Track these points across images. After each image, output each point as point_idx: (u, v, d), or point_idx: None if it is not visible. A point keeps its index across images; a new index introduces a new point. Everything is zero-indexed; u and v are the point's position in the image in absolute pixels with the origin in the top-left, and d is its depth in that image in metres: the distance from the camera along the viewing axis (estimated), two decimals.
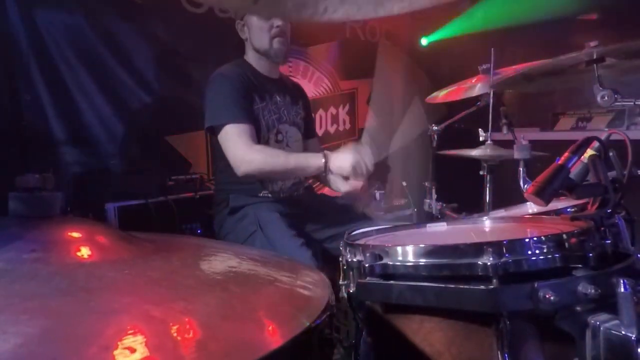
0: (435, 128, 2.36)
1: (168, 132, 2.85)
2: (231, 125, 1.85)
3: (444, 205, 2.23)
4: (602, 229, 0.92)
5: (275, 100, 2.05)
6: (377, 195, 3.04)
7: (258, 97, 1.98)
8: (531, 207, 1.70)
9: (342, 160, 1.76)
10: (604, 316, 0.80)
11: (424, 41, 4.37)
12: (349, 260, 1.02)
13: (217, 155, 2.05)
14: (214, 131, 1.91)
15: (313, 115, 2.47)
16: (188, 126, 2.88)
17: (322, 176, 2.18)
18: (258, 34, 1.99)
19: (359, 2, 0.90)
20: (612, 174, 1.00)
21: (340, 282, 1.06)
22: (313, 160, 1.83)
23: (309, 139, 2.26)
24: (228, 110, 1.87)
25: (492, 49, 2.00)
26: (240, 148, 1.85)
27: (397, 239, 1.22)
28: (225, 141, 1.88)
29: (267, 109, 2.01)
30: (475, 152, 1.94)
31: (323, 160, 1.79)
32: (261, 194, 1.99)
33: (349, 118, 4.11)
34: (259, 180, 1.98)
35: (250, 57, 2.07)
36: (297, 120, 2.15)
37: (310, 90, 3.74)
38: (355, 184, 1.82)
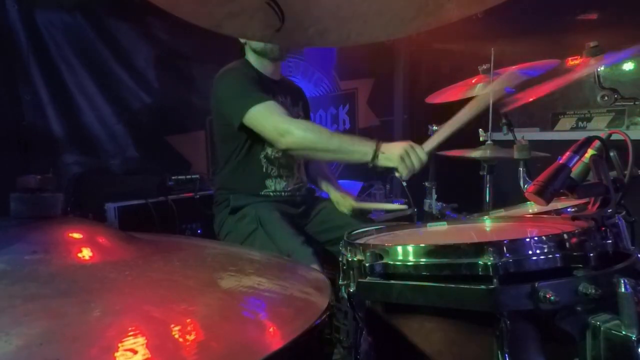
0: (435, 128, 2.36)
1: (168, 132, 2.86)
2: (259, 106, 1.78)
3: (444, 205, 2.23)
4: (603, 228, 0.92)
5: (277, 100, 2.05)
6: (377, 195, 3.05)
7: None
8: (531, 207, 1.70)
9: (392, 149, 1.64)
10: (604, 316, 0.80)
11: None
12: (349, 259, 1.02)
13: (218, 154, 2.05)
14: (243, 124, 1.84)
15: (312, 116, 2.46)
16: (188, 126, 2.89)
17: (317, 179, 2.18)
18: None
19: (383, 22, 0.91)
20: (613, 174, 1.00)
21: (341, 282, 1.06)
22: (360, 145, 1.70)
23: None
24: (250, 96, 1.81)
25: (492, 48, 2.00)
26: (280, 121, 1.77)
27: (398, 238, 1.22)
28: (260, 122, 1.80)
29: None
30: (475, 154, 1.93)
31: (374, 147, 1.65)
32: (262, 193, 1.99)
33: (349, 118, 4.11)
34: (263, 178, 1.98)
35: (251, 59, 2.06)
36: None
37: (310, 90, 3.74)
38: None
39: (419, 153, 1.65)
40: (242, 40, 2.06)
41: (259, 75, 2.01)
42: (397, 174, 1.67)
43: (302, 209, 2.04)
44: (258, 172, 1.94)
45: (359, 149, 1.69)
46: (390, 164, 1.65)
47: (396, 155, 1.63)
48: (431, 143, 1.71)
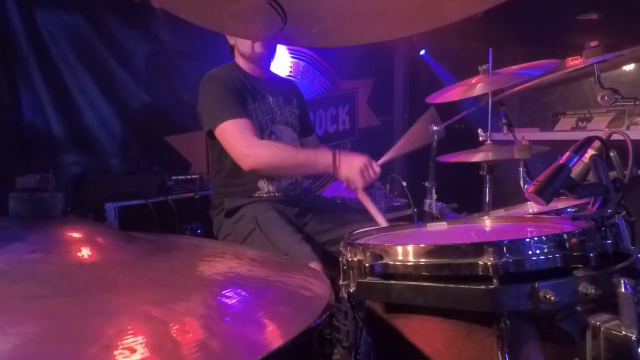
0: (435, 128, 2.36)
1: (168, 132, 2.86)
2: (231, 122, 1.81)
3: (444, 205, 2.22)
4: (603, 229, 0.92)
5: (267, 102, 2.03)
6: (377, 195, 3.05)
7: (251, 98, 1.96)
8: (531, 207, 1.70)
9: (352, 162, 1.75)
10: (604, 316, 0.80)
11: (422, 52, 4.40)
12: (349, 259, 1.02)
13: (214, 158, 2.04)
14: (213, 134, 1.88)
15: (310, 112, 2.43)
16: (188, 126, 2.88)
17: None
18: (241, 39, 1.97)
19: (385, 22, 0.91)
20: (613, 174, 1.00)
21: (341, 282, 1.06)
22: (322, 157, 1.79)
23: (307, 136, 2.24)
24: (224, 109, 1.84)
25: (491, 49, 1.99)
26: (244, 143, 1.81)
27: (398, 238, 1.22)
28: (227, 138, 1.84)
29: (260, 109, 1.99)
30: (475, 158, 1.93)
31: (332, 158, 1.75)
32: (256, 194, 1.98)
33: (348, 118, 4.11)
34: (255, 180, 1.97)
35: (241, 61, 2.04)
36: (291, 120, 2.11)
37: (310, 90, 3.74)
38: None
39: (375, 168, 1.76)
40: (232, 42, 2.04)
41: (246, 78, 1.99)
42: (349, 184, 1.77)
43: (299, 209, 2.02)
44: (249, 173, 1.91)
45: (322, 160, 1.78)
46: (350, 175, 1.74)
47: (356, 167, 1.73)
48: (384, 158, 1.85)
